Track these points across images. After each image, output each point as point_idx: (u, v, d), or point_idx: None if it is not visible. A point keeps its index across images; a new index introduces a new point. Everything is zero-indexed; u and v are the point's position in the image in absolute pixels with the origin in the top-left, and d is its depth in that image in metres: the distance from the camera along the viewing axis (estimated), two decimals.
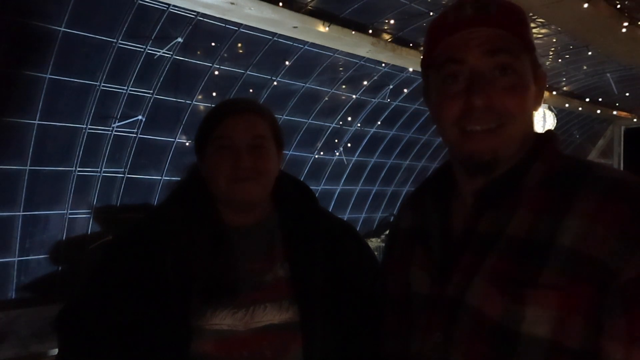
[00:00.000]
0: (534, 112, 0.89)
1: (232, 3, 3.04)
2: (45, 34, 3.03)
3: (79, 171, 3.59)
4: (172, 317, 1.08)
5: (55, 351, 1.22)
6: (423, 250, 0.94)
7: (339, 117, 5.10)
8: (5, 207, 3.35)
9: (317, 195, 1.34)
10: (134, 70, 3.51)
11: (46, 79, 3.16)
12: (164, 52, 3.50)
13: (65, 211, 3.62)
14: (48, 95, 3.21)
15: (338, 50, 4.24)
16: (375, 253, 1.38)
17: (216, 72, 3.89)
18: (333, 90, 4.80)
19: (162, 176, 4.09)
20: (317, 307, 1.14)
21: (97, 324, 1.10)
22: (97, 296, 1.14)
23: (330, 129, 5.15)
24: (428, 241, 0.93)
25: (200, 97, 3.95)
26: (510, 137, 0.84)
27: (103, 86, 3.42)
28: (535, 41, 0.94)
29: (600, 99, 7.33)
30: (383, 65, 4.70)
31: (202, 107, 4.00)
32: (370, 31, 4.02)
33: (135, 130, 3.76)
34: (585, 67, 5.81)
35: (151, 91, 3.69)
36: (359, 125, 5.29)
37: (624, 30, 3.89)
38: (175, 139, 4.03)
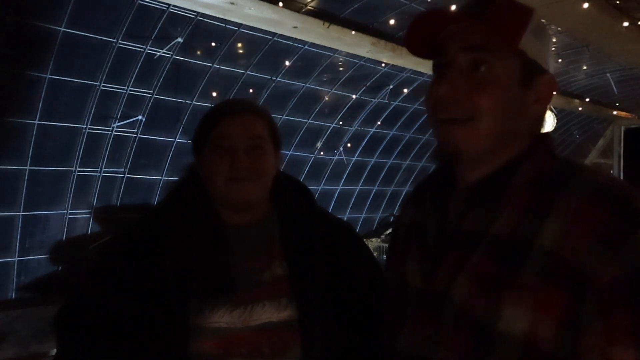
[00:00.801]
0: (536, 114, 0.88)
1: (232, 3, 3.04)
2: (45, 34, 3.02)
3: (79, 171, 3.59)
4: (170, 315, 1.08)
5: (55, 351, 1.22)
6: (419, 244, 0.94)
7: (339, 117, 5.09)
8: (5, 207, 3.35)
9: (317, 195, 1.34)
10: (134, 70, 3.51)
11: (46, 79, 3.16)
12: (164, 52, 3.50)
13: (65, 211, 3.62)
14: (48, 95, 3.21)
15: (338, 50, 4.23)
16: (375, 253, 1.39)
17: (216, 72, 3.89)
18: (333, 90, 4.80)
19: (162, 176, 4.09)
20: (315, 305, 1.15)
21: (95, 323, 1.11)
22: (96, 295, 1.14)
23: (330, 129, 5.15)
24: (425, 236, 0.94)
25: (200, 97, 3.95)
26: (477, 132, 0.83)
27: (103, 86, 3.42)
28: None
29: (600, 99, 7.33)
30: (383, 65, 4.69)
31: (202, 107, 4.01)
32: (370, 31, 4.02)
33: (135, 130, 3.76)
34: (585, 67, 5.81)
35: (151, 91, 3.69)
36: (358, 126, 5.29)
37: (624, 30, 3.89)
38: (175, 139, 4.03)
